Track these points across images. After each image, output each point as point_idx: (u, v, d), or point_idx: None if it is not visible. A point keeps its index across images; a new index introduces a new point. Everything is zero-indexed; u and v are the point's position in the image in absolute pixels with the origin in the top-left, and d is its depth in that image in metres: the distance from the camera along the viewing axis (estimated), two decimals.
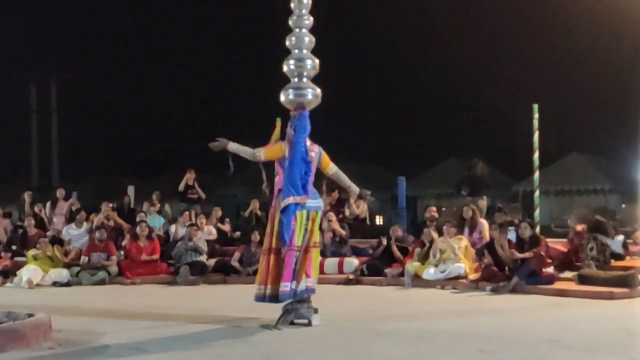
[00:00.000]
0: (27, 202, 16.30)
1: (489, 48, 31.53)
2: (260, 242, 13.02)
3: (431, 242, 11.96)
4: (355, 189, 8.53)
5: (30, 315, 6.92)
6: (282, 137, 8.05)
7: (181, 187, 16.26)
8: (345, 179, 8.41)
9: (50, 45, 33.89)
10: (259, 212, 15.58)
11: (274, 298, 7.67)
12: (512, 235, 11.55)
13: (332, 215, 13.83)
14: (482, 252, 11.59)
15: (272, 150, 7.91)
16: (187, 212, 14.96)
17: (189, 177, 16.25)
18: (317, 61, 8.06)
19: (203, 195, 16.34)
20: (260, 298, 7.74)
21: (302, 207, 7.71)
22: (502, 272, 10.96)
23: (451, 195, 23.24)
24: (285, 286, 7.59)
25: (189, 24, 34.98)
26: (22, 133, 33.15)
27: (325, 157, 8.10)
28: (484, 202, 13.92)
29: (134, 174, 28.35)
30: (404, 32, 32.45)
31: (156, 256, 13.43)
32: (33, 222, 14.67)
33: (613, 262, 10.96)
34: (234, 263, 13.07)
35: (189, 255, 13.24)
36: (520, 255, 10.83)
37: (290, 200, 7.64)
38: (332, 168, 8.22)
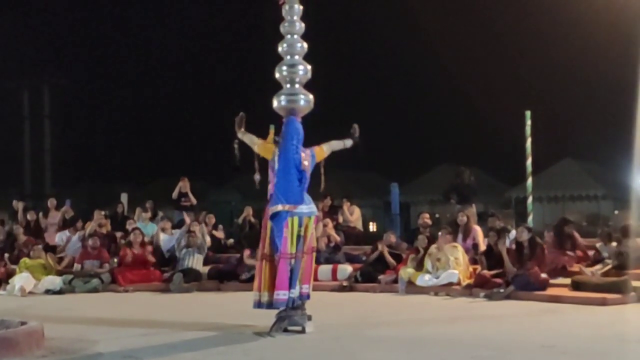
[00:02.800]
0: (19, 209, 16.22)
1: (481, 55, 31.64)
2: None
3: (425, 248, 11.96)
4: (348, 141, 8.43)
5: (23, 323, 6.91)
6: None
7: (175, 194, 16.24)
8: (337, 144, 8.33)
9: (43, 51, 33.80)
10: (252, 219, 15.55)
11: (270, 305, 7.66)
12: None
13: (328, 221, 13.82)
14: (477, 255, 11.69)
15: (265, 147, 8.02)
16: (167, 219, 14.96)
17: (183, 184, 16.23)
18: (309, 67, 8.08)
19: (194, 201, 16.33)
20: (256, 304, 7.74)
21: (293, 213, 7.69)
22: (491, 278, 10.96)
23: (444, 201, 23.29)
24: (283, 294, 7.58)
25: (182, 31, 34.99)
26: (15, 139, 33.05)
27: (318, 152, 8.10)
28: (473, 210, 13.98)
29: (127, 181, 28.29)
30: (397, 39, 32.52)
31: (148, 258, 13.44)
32: (22, 229, 14.61)
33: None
34: (247, 260, 12.70)
35: (188, 256, 13.22)
36: (514, 273, 10.82)
37: (279, 207, 7.62)
38: (327, 151, 8.20)
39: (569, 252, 11.76)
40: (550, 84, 30.74)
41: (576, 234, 12.25)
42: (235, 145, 8.25)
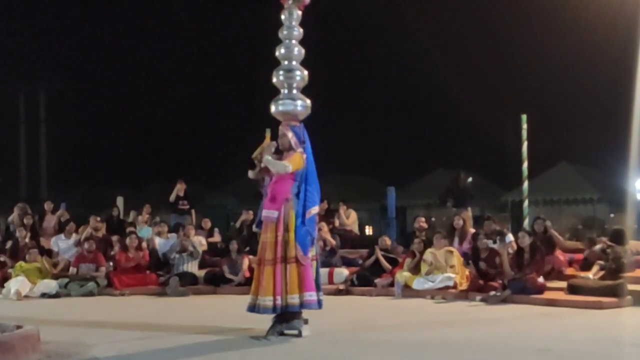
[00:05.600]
0: (16, 213, 16.16)
1: (477, 58, 31.69)
2: (239, 251, 13.12)
3: (421, 252, 11.98)
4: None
5: (18, 327, 6.87)
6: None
7: (172, 198, 16.19)
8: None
9: (39, 56, 33.80)
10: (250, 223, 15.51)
11: (301, 306, 7.58)
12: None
13: (324, 225, 13.83)
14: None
15: (296, 161, 7.71)
16: (162, 222, 14.93)
17: (180, 187, 16.19)
18: (306, 72, 8.08)
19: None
20: (270, 309, 7.57)
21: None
22: (486, 283, 10.97)
23: (440, 205, 23.32)
24: (311, 295, 7.59)
25: (178, 35, 34.97)
26: (11, 144, 33.01)
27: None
28: (468, 213, 14.02)
29: (123, 185, 28.25)
30: (392, 44, 32.58)
31: (144, 262, 13.43)
32: (24, 233, 14.56)
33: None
34: (228, 275, 13.02)
35: (182, 261, 13.21)
36: (512, 276, 10.81)
37: (317, 209, 7.80)
38: None
39: (552, 253, 11.77)
40: (546, 88, 30.82)
41: (552, 231, 12.27)
42: (257, 163, 7.89)
